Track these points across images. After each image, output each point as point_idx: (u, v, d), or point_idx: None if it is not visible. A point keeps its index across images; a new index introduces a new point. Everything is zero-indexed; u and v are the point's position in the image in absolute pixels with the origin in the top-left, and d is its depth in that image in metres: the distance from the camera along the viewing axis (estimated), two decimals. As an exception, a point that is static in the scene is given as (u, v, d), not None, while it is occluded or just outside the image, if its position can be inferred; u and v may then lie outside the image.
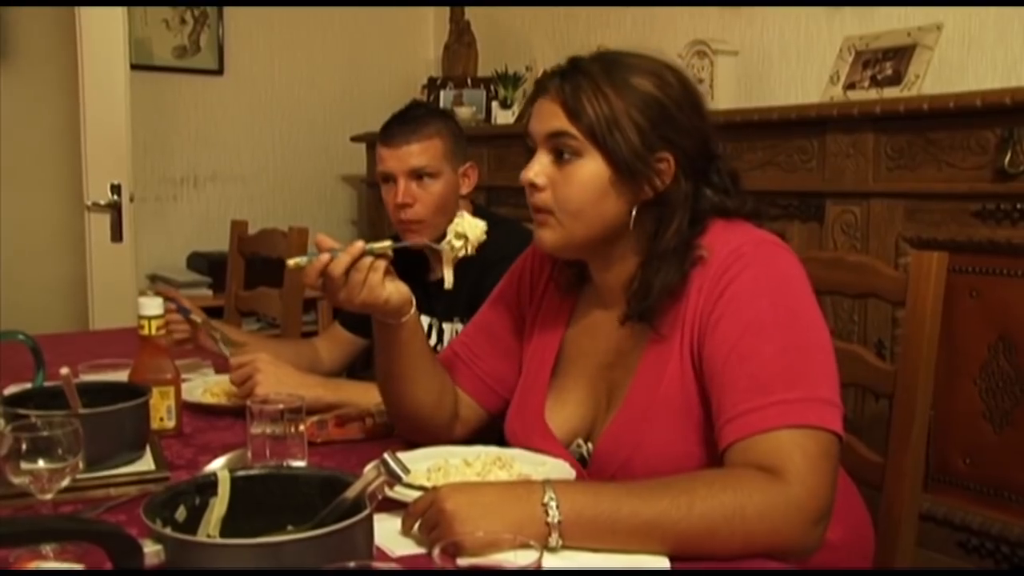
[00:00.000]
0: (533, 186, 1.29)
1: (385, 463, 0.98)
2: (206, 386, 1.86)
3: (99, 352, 1.95)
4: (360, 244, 1.31)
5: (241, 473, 1.06)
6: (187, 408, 1.70)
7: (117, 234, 3.47)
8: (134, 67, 3.48)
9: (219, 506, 1.03)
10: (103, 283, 3.49)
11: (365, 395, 1.63)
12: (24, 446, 1.10)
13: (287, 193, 4.34)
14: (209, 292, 3.79)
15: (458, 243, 1.36)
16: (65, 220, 3.65)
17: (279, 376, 1.66)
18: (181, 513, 0.99)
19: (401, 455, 1.04)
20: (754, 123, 2.62)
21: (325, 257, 1.30)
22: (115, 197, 3.46)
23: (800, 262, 1.27)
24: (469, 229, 1.36)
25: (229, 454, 1.40)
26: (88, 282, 3.49)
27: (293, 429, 1.35)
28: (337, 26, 4.41)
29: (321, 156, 4.41)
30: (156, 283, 3.93)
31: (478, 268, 1.61)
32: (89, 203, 3.44)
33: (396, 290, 1.34)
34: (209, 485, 1.03)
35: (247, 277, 2.71)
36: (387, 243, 1.33)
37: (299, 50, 4.34)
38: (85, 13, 3.31)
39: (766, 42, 3.13)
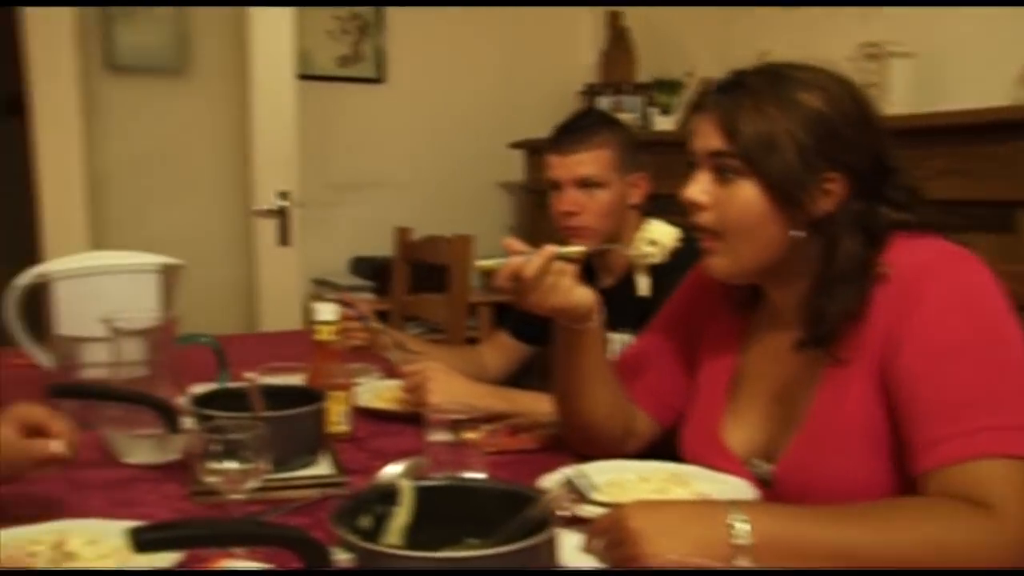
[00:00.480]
0: (694, 204, 1.26)
1: (572, 480, 0.96)
2: (376, 391, 1.89)
3: (269, 354, 2.01)
4: (552, 248, 1.31)
5: (423, 484, 1.06)
6: (358, 413, 1.72)
7: (283, 239, 3.58)
8: (299, 77, 3.60)
9: (401, 515, 1.03)
10: (270, 287, 3.62)
11: (536, 404, 1.62)
12: (216, 447, 1.13)
13: (445, 199, 4.40)
14: (371, 296, 3.87)
15: (649, 249, 1.34)
16: (234, 226, 3.79)
17: (451, 385, 1.67)
18: (366, 521, 0.99)
19: (577, 468, 1.02)
20: (935, 128, 2.48)
21: (517, 260, 1.30)
22: (282, 203, 3.58)
23: (993, 275, 1.19)
24: (662, 236, 1.34)
25: (405, 461, 1.41)
26: (256, 286, 3.62)
27: (468, 438, 1.35)
28: (494, 33, 4.45)
29: (479, 162, 4.46)
30: (322, 287, 4.05)
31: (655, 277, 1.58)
32: (257, 209, 3.57)
33: (585, 294, 1.34)
34: (391, 494, 1.03)
35: (411, 282, 2.75)
36: (579, 248, 1.32)
37: (456, 58, 4.40)
38: (256, 28, 3.44)
39: (944, 42, 2.98)
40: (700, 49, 3.94)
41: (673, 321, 1.48)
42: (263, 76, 3.44)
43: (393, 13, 4.27)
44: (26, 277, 1.72)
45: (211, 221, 3.88)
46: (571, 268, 1.32)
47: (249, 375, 1.34)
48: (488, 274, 1.36)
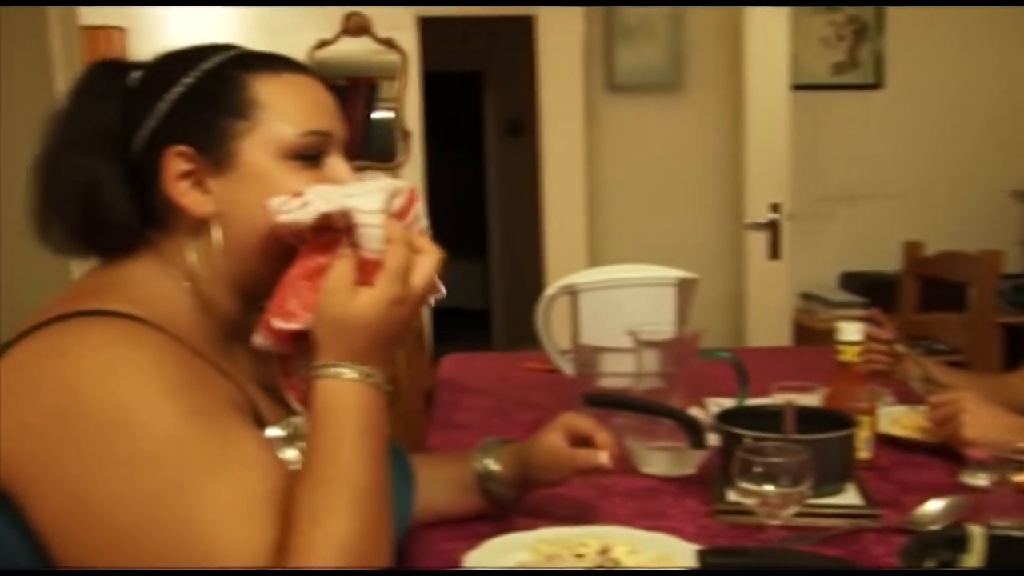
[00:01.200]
0: None
1: None
2: (892, 416, 1.75)
3: (777, 371, 1.96)
4: None
5: (997, 532, 0.94)
6: (877, 440, 1.61)
7: (773, 252, 3.52)
8: (792, 87, 3.52)
9: (970, 563, 0.92)
10: (758, 301, 3.58)
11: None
12: (754, 468, 1.10)
13: (947, 211, 4.05)
14: (862, 313, 3.67)
15: None
16: (724, 239, 3.81)
17: (988, 418, 1.49)
18: (931, 564, 0.90)
19: None
20: None
21: None
22: (773, 216, 3.52)
23: None
24: None
25: (945, 499, 1.28)
26: (744, 299, 3.59)
27: (1014, 480, 1.19)
28: (1001, 30, 4.01)
29: (986, 170, 4.05)
30: (810, 303, 3.92)
31: None
32: (748, 222, 3.54)
33: None
34: (960, 540, 0.93)
35: (920, 300, 2.56)
36: None
37: (961, 58, 4.03)
38: (751, 39, 3.43)
39: None
40: None
41: None
42: (757, 88, 3.42)
43: (894, 14, 4.03)
44: (554, 288, 1.82)
45: (702, 234, 3.92)
46: None
47: (787, 398, 1.29)
48: None
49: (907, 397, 1.85)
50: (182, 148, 0.97)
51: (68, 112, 1.01)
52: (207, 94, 0.98)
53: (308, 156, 0.99)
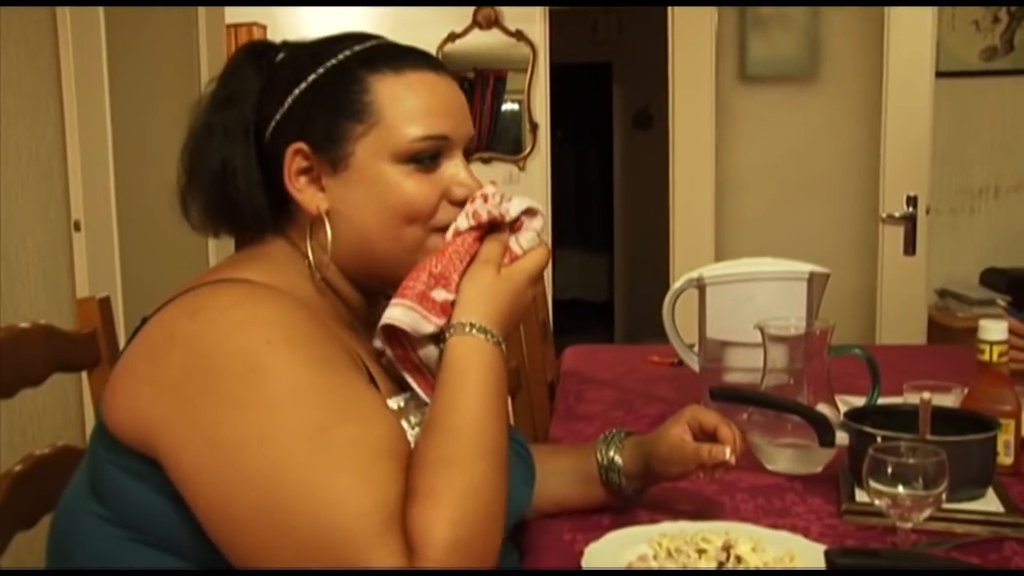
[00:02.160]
0: None
1: None
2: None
3: (898, 369, 1.89)
4: None
5: None
6: (1023, 445, 1.53)
7: (910, 247, 3.40)
8: (937, 74, 3.38)
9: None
10: (892, 296, 3.46)
11: None
12: (887, 469, 1.07)
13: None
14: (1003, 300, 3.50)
15: None
16: (859, 232, 3.69)
17: None
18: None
19: None
20: None
21: None
22: (910, 209, 3.40)
23: None
24: None
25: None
26: (878, 295, 3.48)
27: None
28: None
29: None
30: (947, 299, 3.77)
31: None
32: (884, 215, 3.43)
33: None
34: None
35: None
36: None
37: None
38: (895, 26, 3.31)
39: None
40: None
41: None
42: (898, 76, 3.31)
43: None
44: (682, 281, 1.80)
45: (834, 227, 3.81)
46: None
47: (926, 396, 1.24)
48: None
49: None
50: (301, 146, 1.00)
51: (213, 96, 1.04)
52: (328, 94, 1.00)
53: (423, 160, 1.00)
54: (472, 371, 0.94)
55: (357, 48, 1.03)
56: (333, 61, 1.01)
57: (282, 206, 1.03)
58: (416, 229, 1.01)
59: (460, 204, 1.02)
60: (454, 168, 1.02)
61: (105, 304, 1.30)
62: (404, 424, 0.98)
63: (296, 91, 1.01)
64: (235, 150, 1.00)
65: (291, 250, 1.03)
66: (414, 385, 1.02)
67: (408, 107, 0.99)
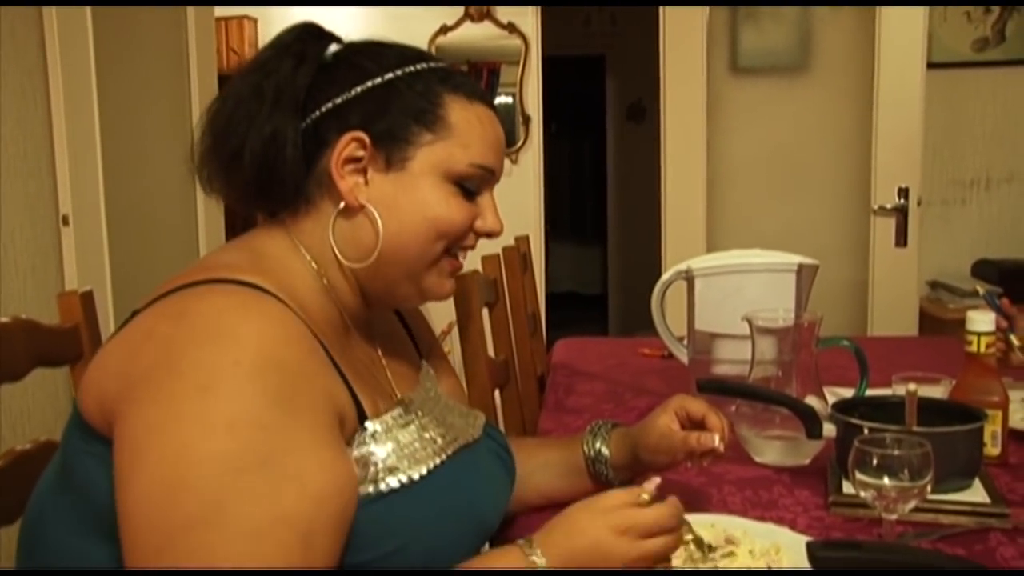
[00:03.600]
0: None
1: None
2: (1026, 412, 1.67)
3: (888, 360, 1.89)
4: None
5: None
6: (1011, 436, 1.53)
7: (901, 239, 3.40)
8: (928, 65, 3.37)
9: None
10: (883, 288, 3.46)
11: None
12: (872, 461, 1.06)
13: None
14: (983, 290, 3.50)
15: None
16: (850, 224, 3.69)
17: None
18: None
19: None
20: None
21: None
22: (901, 201, 3.40)
23: None
24: None
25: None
26: (869, 287, 3.48)
27: None
28: None
29: None
30: (938, 291, 3.77)
31: None
32: (876, 207, 3.43)
33: None
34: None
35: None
36: None
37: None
38: (886, 17, 3.30)
39: None
40: None
41: None
42: (890, 68, 3.31)
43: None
44: (670, 273, 1.80)
45: (826, 219, 3.81)
46: None
47: (911, 387, 1.24)
48: None
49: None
50: (360, 135, 1.00)
51: (262, 65, 1.03)
52: (405, 96, 1.01)
53: (468, 186, 1.03)
54: None
55: (433, 65, 1.05)
56: (413, 68, 1.03)
57: (299, 193, 1.02)
58: (440, 245, 1.03)
59: (482, 235, 1.07)
60: (487, 202, 1.07)
61: (88, 298, 1.29)
62: (387, 447, 0.98)
63: (369, 83, 1.01)
64: (286, 122, 0.99)
65: (291, 245, 1.02)
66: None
67: (474, 134, 1.03)
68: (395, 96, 1.01)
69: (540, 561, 0.92)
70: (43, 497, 0.95)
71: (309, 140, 1.01)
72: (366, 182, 1.00)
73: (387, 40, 1.08)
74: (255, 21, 4.62)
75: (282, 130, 0.99)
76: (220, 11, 4.08)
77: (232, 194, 1.05)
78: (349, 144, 1.00)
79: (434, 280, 1.05)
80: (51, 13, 2.66)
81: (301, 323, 0.92)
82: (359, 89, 1.01)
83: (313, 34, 1.06)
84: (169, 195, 3.25)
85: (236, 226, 4.73)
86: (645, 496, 0.97)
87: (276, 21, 4.66)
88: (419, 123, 1.01)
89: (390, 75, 1.02)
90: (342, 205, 1.00)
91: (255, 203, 1.05)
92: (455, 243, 1.05)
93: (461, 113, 1.02)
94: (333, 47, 1.06)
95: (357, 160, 1.00)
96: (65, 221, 2.76)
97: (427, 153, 1.00)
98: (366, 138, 1.00)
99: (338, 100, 1.01)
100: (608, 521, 0.94)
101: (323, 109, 1.01)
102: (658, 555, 0.95)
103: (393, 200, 1.00)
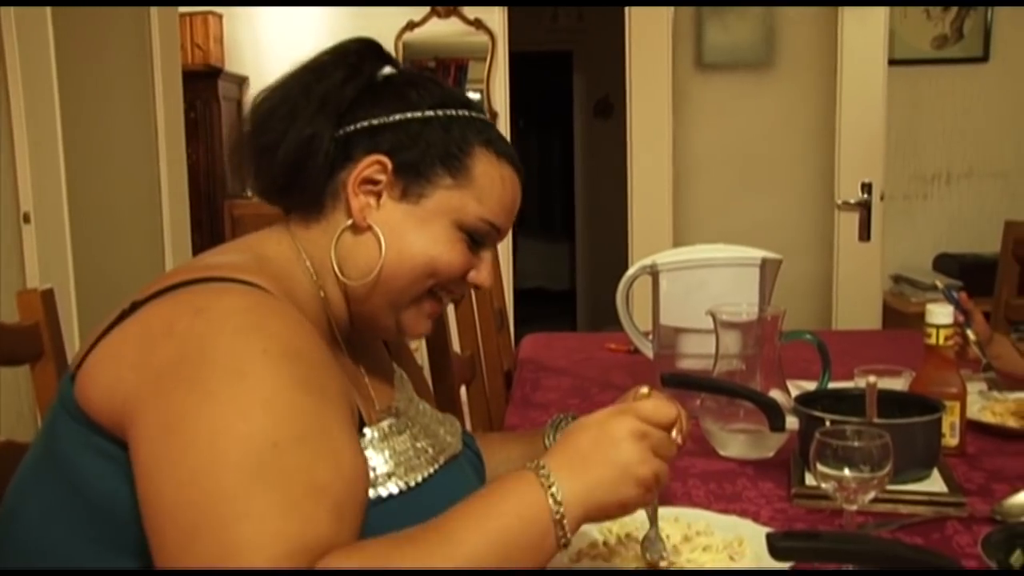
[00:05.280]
0: None
1: None
2: (984, 403, 1.70)
3: (864, 355, 1.91)
4: None
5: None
6: (969, 427, 1.56)
7: (864, 233, 3.44)
8: (890, 62, 3.41)
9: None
10: (848, 282, 3.50)
11: None
12: (833, 453, 1.08)
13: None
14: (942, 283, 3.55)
15: None
16: (814, 219, 3.73)
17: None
18: (1018, 558, 0.86)
19: None
20: None
21: None
22: (865, 196, 3.44)
23: None
24: None
25: (1033, 489, 1.24)
26: (834, 281, 3.51)
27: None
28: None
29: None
30: (901, 285, 3.82)
31: None
32: (839, 202, 3.46)
33: None
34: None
35: (1021, 283, 2.46)
36: None
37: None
38: (848, 15, 3.34)
39: None
40: None
41: None
42: (852, 64, 3.34)
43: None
44: (635, 268, 1.81)
45: (791, 214, 3.85)
46: None
47: (872, 379, 1.26)
48: None
49: (1001, 384, 1.79)
50: (385, 159, 1.02)
51: (316, 68, 1.05)
52: (438, 135, 1.03)
53: (474, 238, 1.05)
54: (509, 514, 0.85)
55: (475, 115, 1.07)
56: (454, 112, 1.05)
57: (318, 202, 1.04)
58: (429, 283, 1.05)
59: (472, 286, 1.09)
60: (487, 256, 1.09)
61: (48, 296, 1.28)
62: (383, 456, 0.98)
63: (408, 114, 1.03)
64: (325, 128, 1.02)
65: (293, 253, 1.04)
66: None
67: (493, 192, 1.05)
68: (428, 133, 1.03)
69: (552, 481, 0.86)
70: (18, 498, 0.94)
71: (337, 151, 1.03)
72: (378, 205, 1.02)
73: (440, 80, 1.10)
74: (220, 17, 4.59)
75: (320, 135, 1.01)
76: (185, 7, 4.05)
77: (258, 184, 1.07)
78: (372, 165, 1.02)
79: (413, 317, 1.07)
80: (9, 8, 2.63)
81: (307, 323, 0.93)
82: (397, 116, 1.03)
83: (373, 51, 1.09)
84: (133, 192, 3.22)
85: (202, 223, 4.69)
86: (644, 390, 0.97)
87: (242, 17, 4.63)
88: (444, 165, 1.03)
89: (430, 112, 1.04)
90: (350, 222, 1.02)
91: (275, 197, 1.07)
92: (444, 286, 1.06)
93: (486, 168, 1.05)
94: (387, 69, 1.08)
95: (375, 183, 1.02)
96: (26, 219, 2.73)
97: (443, 196, 1.03)
98: (389, 164, 1.02)
99: (375, 121, 1.03)
100: (607, 412, 0.92)
101: (359, 125, 1.03)
102: (656, 446, 0.91)
103: (399, 229, 1.02)
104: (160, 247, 3.37)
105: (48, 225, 2.78)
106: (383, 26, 4.17)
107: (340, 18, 4.18)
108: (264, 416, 0.82)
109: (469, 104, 1.09)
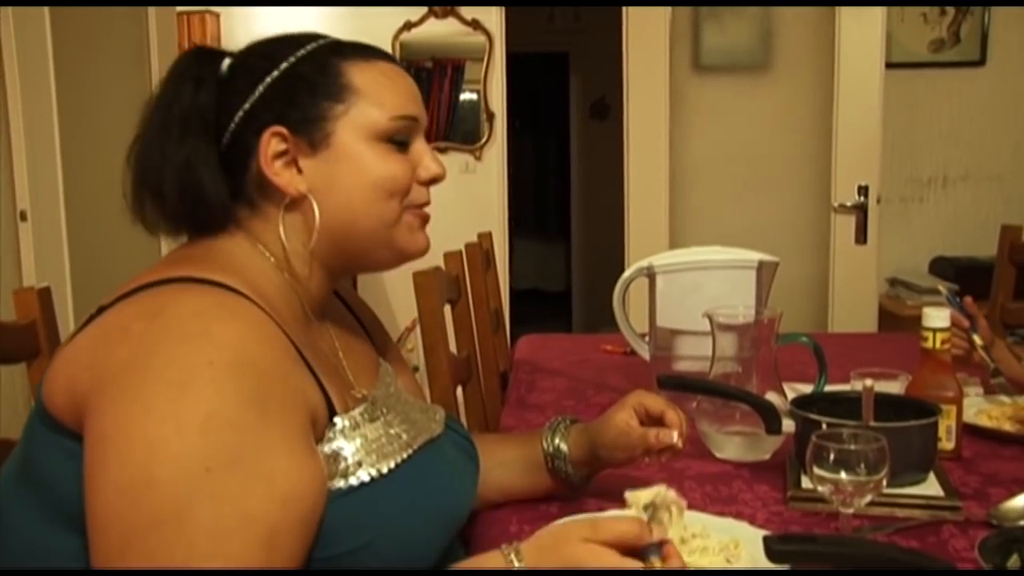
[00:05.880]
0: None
1: None
2: (979, 407, 1.70)
3: (847, 357, 1.91)
4: None
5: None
6: (965, 430, 1.56)
7: (861, 236, 3.45)
8: (886, 66, 3.42)
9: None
10: (844, 285, 3.50)
11: None
12: (829, 456, 1.08)
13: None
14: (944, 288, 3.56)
15: None
16: (811, 221, 3.73)
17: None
18: (1015, 562, 0.87)
19: None
20: None
21: None
22: (861, 199, 3.44)
23: None
24: None
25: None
26: (830, 284, 3.52)
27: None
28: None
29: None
30: (897, 288, 3.82)
31: None
32: (836, 204, 3.47)
33: None
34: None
35: (1017, 287, 2.47)
36: None
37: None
38: (845, 18, 3.34)
39: None
40: None
41: None
42: (849, 67, 3.35)
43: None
44: (632, 270, 1.81)
45: (787, 217, 3.85)
46: None
47: (868, 383, 1.26)
48: None
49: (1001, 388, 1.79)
50: (278, 128, 1.01)
51: (163, 97, 1.04)
52: (304, 78, 1.02)
53: (397, 140, 1.04)
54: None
55: (322, 41, 1.06)
56: (303, 51, 1.04)
57: (242, 198, 1.03)
58: (395, 204, 1.04)
59: (426, 184, 1.07)
60: (421, 149, 1.07)
61: (45, 294, 1.28)
62: (355, 443, 0.98)
63: (268, 79, 1.02)
64: (198, 146, 1.01)
65: (249, 244, 1.03)
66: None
67: (382, 89, 1.04)
68: (296, 82, 1.02)
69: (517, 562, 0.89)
70: (3, 490, 0.94)
71: (235, 153, 1.02)
72: (299, 171, 1.02)
73: (273, 35, 1.09)
74: (217, 16, 4.57)
75: (195, 154, 1.00)
76: (182, 6, 4.04)
77: (169, 226, 1.05)
78: (270, 141, 1.01)
79: (405, 237, 1.06)
80: (6, 8, 2.62)
81: (273, 323, 0.93)
82: (260, 88, 1.02)
83: (205, 55, 1.07)
84: (129, 191, 3.21)
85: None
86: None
87: (239, 16, 4.62)
88: (327, 98, 1.02)
89: (284, 64, 1.03)
90: (288, 199, 1.02)
91: (191, 229, 1.06)
92: (405, 198, 1.06)
93: (363, 75, 1.04)
94: (227, 61, 1.07)
95: (284, 154, 1.02)
96: (23, 217, 2.73)
97: (345, 123, 1.02)
98: (284, 130, 1.01)
99: (246, 106, 1.02)
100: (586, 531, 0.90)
101: (236, 120, 1.02)
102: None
103: (331, 178, 1.02)
104: (156, 245, 3.35)
105: (44, 223, 2.77)
106: (380, 26, 4.16)
107: (337, 18, 4.17)
108: (200, 437, 0.81)
109: (313, 36, 1.07)
